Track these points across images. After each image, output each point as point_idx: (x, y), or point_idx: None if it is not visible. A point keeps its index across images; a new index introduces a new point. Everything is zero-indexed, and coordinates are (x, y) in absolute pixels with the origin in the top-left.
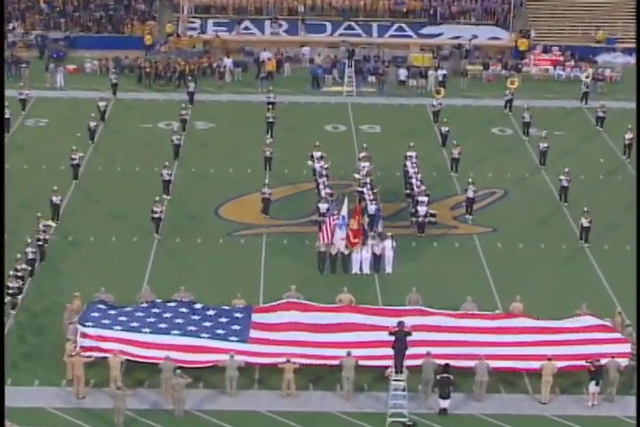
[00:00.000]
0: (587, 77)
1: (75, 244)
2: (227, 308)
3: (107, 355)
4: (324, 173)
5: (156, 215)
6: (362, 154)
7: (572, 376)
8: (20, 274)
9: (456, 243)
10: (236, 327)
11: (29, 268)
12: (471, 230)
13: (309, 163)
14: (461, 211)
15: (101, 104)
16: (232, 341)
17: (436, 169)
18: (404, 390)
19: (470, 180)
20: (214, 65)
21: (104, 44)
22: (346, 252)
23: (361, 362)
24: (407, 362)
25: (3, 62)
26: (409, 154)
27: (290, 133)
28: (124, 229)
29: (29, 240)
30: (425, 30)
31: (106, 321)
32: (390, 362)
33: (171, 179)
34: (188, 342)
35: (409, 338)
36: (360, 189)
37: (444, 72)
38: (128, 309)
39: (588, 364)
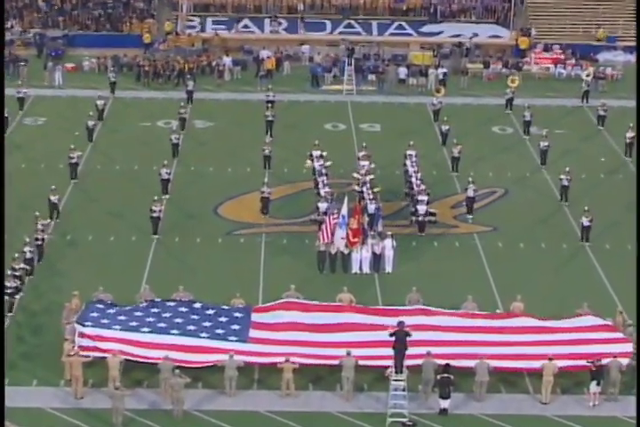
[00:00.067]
0: (587, 76)
1: (73, 243)
2: (226, 307)
3: (105, 355)
4: (323, 171)
5: (154, 214)
6: (361, 153)
7: (573, 376)
8: (17, 273)
9: (456, 242)
10: (236, 327)
11: (27, 267)
12: (471, 230)
13: (307, 164)
14: (462, 210)
15: (100, 103)
16: (231, 340)
17: (436, 168)
18: (404, 390)
19: (470, 179)
20: (213, 63)
21: (102, 43)
22: (345, 251)
23: (361, 362)
24: (407, 362)
25: (2, 62)
26: (409, 153)
27: (289, 132)
28: (122, 228)
29: (27, 240)
30: (425, 28)
31: (105, 321)
32: (390, 362)
33: (169, 178)
34: (187, 342)
35: (409, 338)
36: (359, 189)
37: (445, 70)
38: (127, 308)
39: (588, 364)
